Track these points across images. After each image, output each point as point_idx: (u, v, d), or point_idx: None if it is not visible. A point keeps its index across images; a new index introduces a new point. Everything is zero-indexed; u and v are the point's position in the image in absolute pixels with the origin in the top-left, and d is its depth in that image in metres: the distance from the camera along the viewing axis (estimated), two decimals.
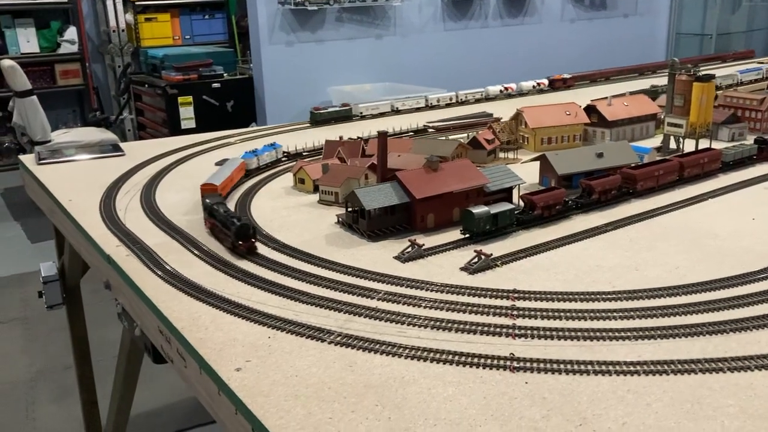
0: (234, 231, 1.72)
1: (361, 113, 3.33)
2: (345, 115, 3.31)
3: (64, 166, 2.76)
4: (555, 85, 4.08)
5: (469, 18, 6.82)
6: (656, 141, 2.72)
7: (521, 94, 3.92)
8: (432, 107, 3.56)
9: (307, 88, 6.01)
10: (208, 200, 1.91)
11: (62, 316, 3.16)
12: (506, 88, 3.86)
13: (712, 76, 2.48)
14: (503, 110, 3.33)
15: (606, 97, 2.84)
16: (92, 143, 4.06)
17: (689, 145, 2.54)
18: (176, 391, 3.82)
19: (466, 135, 2.69)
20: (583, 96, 3.62)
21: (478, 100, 3.73)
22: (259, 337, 1.35)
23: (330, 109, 3.32)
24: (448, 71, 6.55)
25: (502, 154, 2.62)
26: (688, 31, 8.00)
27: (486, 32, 6.93)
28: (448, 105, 3.62)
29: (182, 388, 3.82)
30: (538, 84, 3.99)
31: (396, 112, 3.41)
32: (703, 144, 2.51)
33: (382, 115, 3.39)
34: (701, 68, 3.78)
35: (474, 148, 2.48)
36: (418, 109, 3.49)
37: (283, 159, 2.66)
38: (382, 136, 2.04)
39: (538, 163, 2.25)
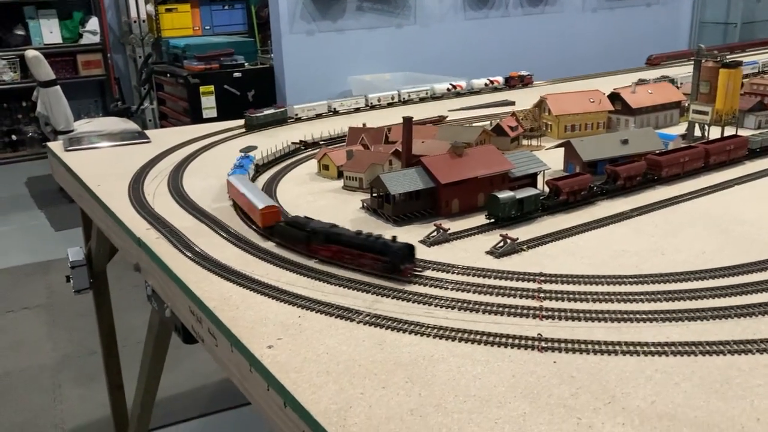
0: (400, 254, 1.49)
1: (296, 115, 3.12)
2: (281, 118, 3.11)
3: (91, 152, 2.80)
4: (511, 83, 3.78)
5: (490, 7, 6.79)
6: (681, 129, 2.71)
7: (472, 92, 3.65)
8: (372, 107, 3.35)
9: (328, 77, 6.04)
10: (314, 226, 1.63)
11: (85, 303, 3.22)
12: (454, 86, 3.59)
13: (740, 63, 2.46)
14: (524, 99, 3.32)
15: (630, 85, 2.83)
16: (115, 132, 4.10)
17: (714, 133, 2.52)
18: (198, 378, 3.87)
19: (489, 122, 2.69)
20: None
21: (422, 99, 3.52)
22: (289, 317, 1.37)
23: (266, 112, 3.05)
24: (469, 60, 6.54)
25: (525, 142, 2.62)
26: (712, 19, 7.90)
27: (506, 21, 6.90)
28: (390, 105, 3.41)
29: (204, 374, 3.87)
30: (492, 82, 3.70)
31: (334, 113, 3.20)
32: (729, 132, 2.49)
33: (318, 116, 3.17)
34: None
35: (497, 135, 2.48)
36: (357, 110, 3.28)
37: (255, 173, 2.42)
38: (408, 122, 2.05)
39: (562, 149, 2.25)
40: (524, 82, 3.82)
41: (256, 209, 1.78)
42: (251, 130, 3.05)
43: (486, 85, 3.69)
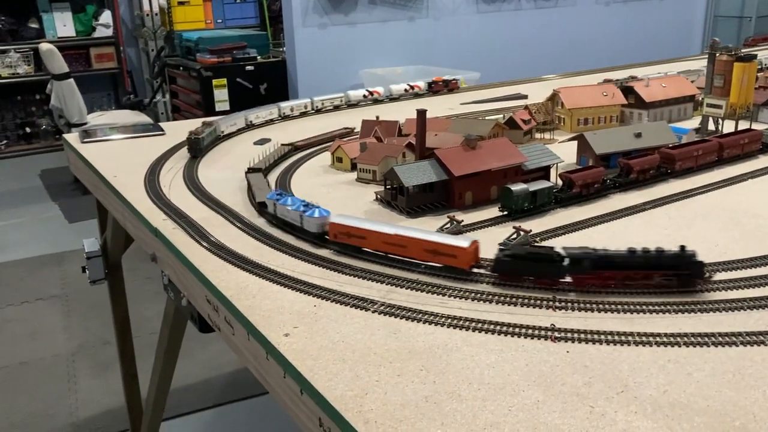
0: (699, 264, 1.37)
1: (223, 131, 2.86)
2: (216, 137, 2.76)
3: (107, 144, 2.83)
4: (435, 88, 3.58)
5: (502, 0, 6.77)
6: (694, 122, 2.70)
7: (391, 99, 3.45)
8: (284, 117, 3.18)
9: (340, 70, 6.05)
10: (573, 254, 1.40)
11: (99, 294, 3.24)
12: (371, 93, 3.39)
13: (754, 56, 2.45)
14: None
15: (644, 78, 2.82)
16: (130, 125, 4.15)
17: (728, 127, 2.52)
18: (212, 368, 3.91)
19: (502, 115, 2.69)
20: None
21: (337, 107, 3.31)
22: (305, 306, 1.39)
23: (207, 131, 2.64)
24: (481, 54, 6.54)
25: (538, 135, 2.63)
26: (727, 13, 7.84)
27: (519, 14, 6.88)
28: (302, 114, 3.23)
29: (218, 365, 3.91)
30: (412, 87, 3.50)
31: (249, 126, 3.01)
32: (743, 126, 2.48)
33: (240, 131, 2.95)
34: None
35: (510, 128, 2.49)
36: (271, 121, 3.12)
37: None
38: (421, 114, 2.06)
39: (575, 143, 2.25)
40: (449, 87, 3.63)
41: (461, 249, 1.49)
42: (197, 155, 2.54)
43: (406, 90, 3.52)
